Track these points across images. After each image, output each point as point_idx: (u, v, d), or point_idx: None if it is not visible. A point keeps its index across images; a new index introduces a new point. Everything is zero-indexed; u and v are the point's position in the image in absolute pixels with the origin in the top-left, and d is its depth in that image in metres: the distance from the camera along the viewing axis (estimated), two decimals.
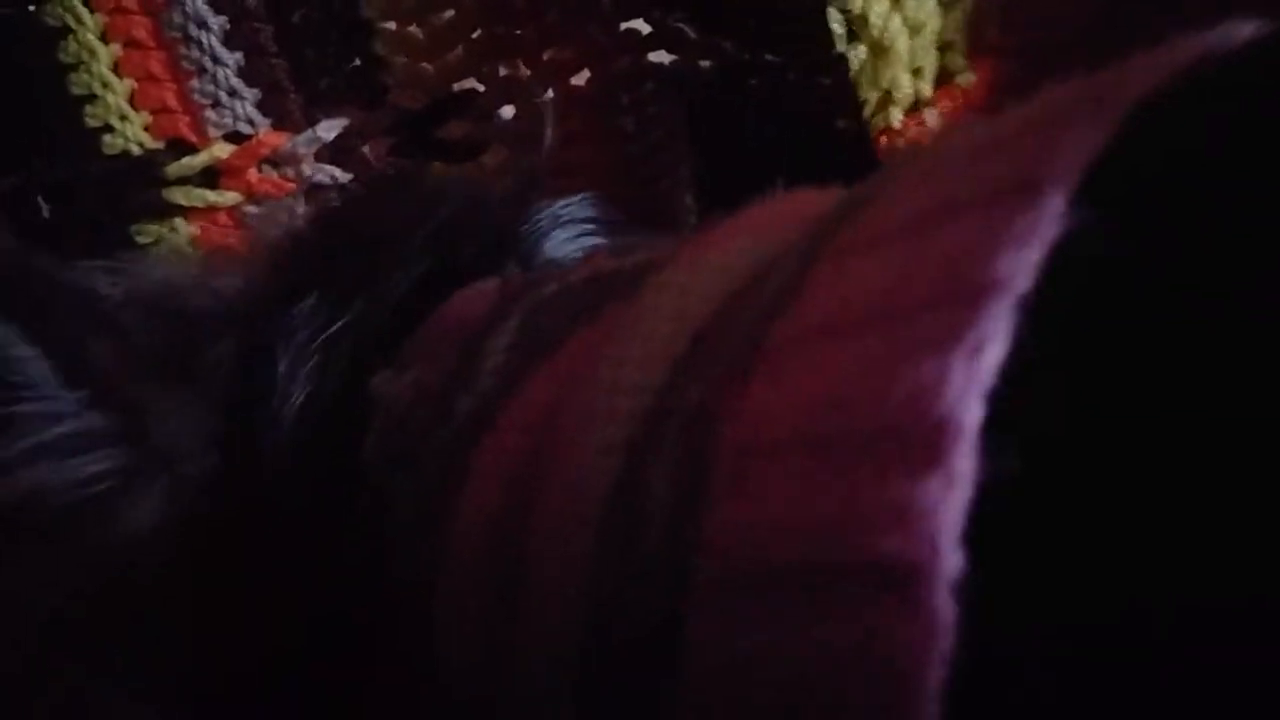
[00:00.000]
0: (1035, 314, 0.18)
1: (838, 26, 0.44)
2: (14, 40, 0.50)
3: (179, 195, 0.51)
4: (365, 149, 0.51)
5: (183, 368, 0.33)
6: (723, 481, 0.21)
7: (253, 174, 0.51)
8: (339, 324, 0.32)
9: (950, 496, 0.18)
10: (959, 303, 0.19)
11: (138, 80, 0.50)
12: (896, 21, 0.43)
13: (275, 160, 0.51)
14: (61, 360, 0.32)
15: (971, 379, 0.18)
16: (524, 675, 0.26)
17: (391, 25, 0.51)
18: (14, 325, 0.31)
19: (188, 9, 0.50)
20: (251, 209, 0.51)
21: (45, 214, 0.49)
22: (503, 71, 0.51)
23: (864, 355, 0.20)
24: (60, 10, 0.49)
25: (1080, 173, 0.19)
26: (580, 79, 0.51)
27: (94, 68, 0.50)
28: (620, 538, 0.23)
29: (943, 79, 0.44)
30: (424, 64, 0.51)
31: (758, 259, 0.26)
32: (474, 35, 0.51)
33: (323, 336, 0.32)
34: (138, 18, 0.50)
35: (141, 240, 0.51)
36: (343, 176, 0.51)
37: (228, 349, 0.33)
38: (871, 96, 0.45)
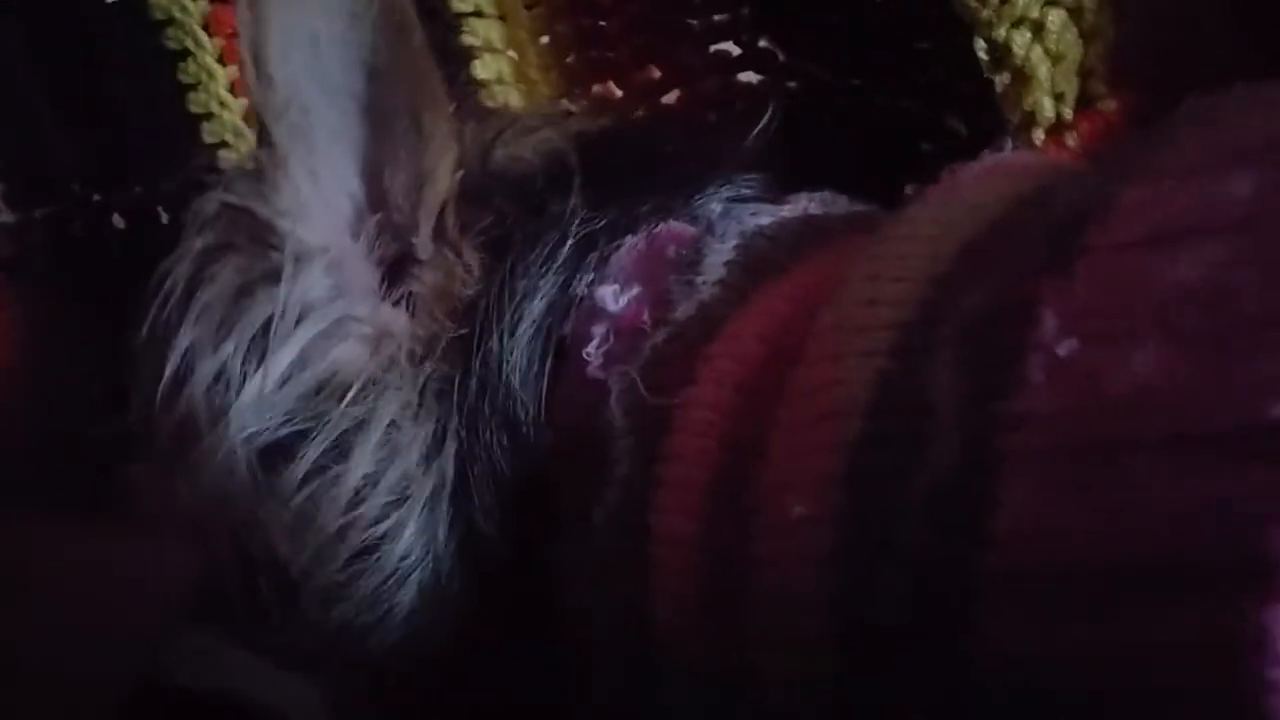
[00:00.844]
0: None
1: (983, 54, 0.46)
2: (137, 62, 0.53)
3: None
4: None
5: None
6: (1044, 366, 0.24)
7: None
8: (591, 227, 0.37)
9: None
10: None
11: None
12: (1038, 51, 0.45)
13: None
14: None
15: None
16: (763, 555, 0.28)
17: (491, 51, 0.53)
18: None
19: None
20: None
21: (164, 221, 0.52)
22: (595, 90, 0.53)
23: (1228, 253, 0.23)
24: (181, 34, 0.52)
25: None
26: (670, 98, 0.53)
27: (212, 88, 0.52)
28: (895, 424, 0.26)
29: (1083, 104, 0.46)
30: (520, 86, 0.53)
31: (1010, 197, 0.30)
32: (568, 60, 0.53)
33: (575, 237, 0.37)
34: None
35: None
36: None
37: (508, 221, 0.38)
38: (1014, 118, 0.46)
